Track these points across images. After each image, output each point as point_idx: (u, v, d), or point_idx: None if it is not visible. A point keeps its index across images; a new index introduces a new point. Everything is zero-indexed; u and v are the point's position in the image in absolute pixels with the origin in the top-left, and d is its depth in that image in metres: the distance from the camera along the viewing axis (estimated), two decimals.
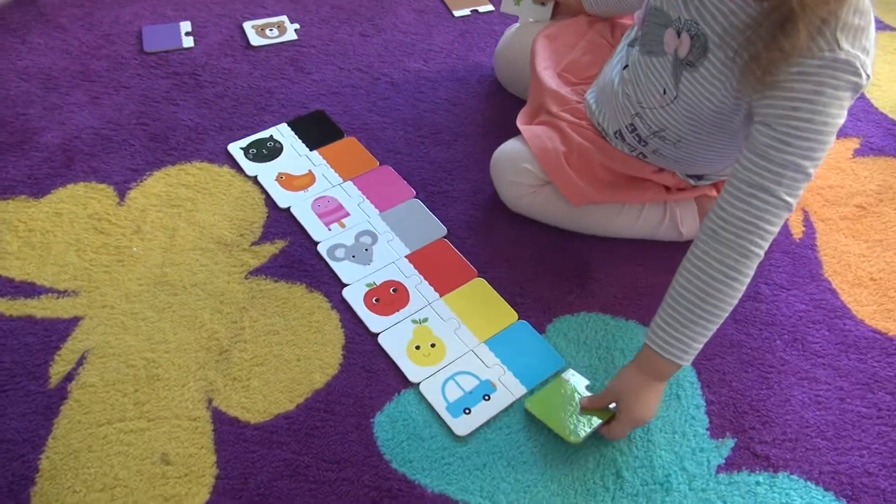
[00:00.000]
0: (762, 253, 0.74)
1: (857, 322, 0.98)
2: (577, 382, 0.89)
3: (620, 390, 0.82)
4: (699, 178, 1.01)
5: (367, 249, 1.01)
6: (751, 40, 0.72)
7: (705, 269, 0.75)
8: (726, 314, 0.76)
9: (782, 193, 0.71)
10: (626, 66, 0.94)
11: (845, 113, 0.71)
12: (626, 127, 0.95)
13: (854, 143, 1.22)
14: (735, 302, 0.76)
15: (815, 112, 0.69)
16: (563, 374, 0.90)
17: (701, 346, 0.78)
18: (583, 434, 0.83)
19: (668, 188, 1.01)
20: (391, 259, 1.01)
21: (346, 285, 0.98)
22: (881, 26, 1.45)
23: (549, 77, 1.07)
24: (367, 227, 1.04)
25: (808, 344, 0.95)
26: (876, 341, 0.96)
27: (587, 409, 0.85)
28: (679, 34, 0.81)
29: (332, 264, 1.00)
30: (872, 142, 1.22)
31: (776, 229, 0.74)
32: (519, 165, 1.02)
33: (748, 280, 0.75)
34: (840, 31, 0.68)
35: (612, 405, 0.84)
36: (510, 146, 1.05)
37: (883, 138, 1.22)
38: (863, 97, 1.29)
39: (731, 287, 0.75)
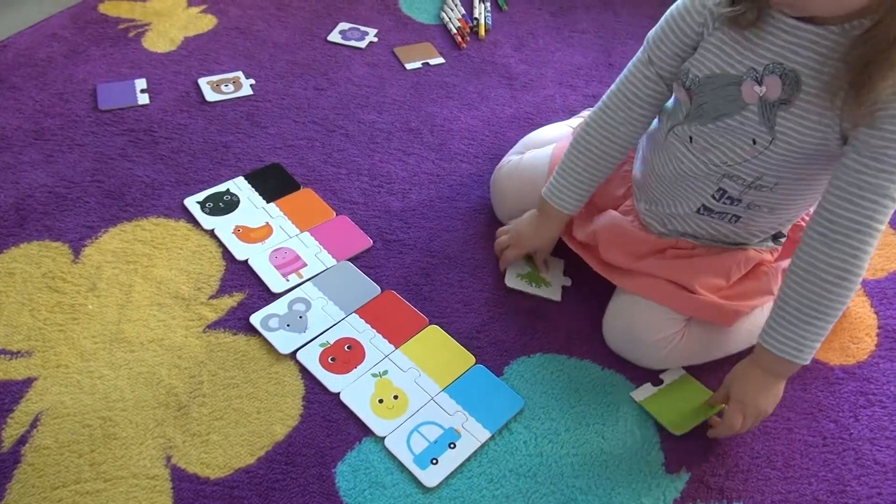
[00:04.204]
0: (872, 250, 0.77)
1: None
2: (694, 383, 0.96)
3: (743, 388, 0.86)
4: (777, 237, 0.99)
5: (301, 317, 1.01)
6: (840, 71, 0.74)
7: (817, 272, 0.78)
8: (841, 311, 0.80)
9: (893, 191, 0.74)
10: (691, 140, 0.90)
11: None
12: (714, 195, 0.91)
13: None
14: (849, 300, 0.79)
15: None
16: (683, 375, 0.96)
17: (818, 345, 0.81)
18: (686, 428, 0.90)
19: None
20: (327, 325, 1.00)
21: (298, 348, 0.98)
22: None
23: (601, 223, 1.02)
24: (300, 295, 1.03)
25: None
26: (819, 371, 1.00)
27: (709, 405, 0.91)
28: (761, 81, 0.80)
29: (267, 335, 0.98)
30: None
31: (884, 227, 0.77)
32: (653, 321, 0.95)
33: (861, 276, 0.78)
34: None
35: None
36: (623, 308, 0.98)
37: None
38: None
39: (845, 287, 0.78)
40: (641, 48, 0.91)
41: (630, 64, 0.93)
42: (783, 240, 1.00)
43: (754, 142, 0.84)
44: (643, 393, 0.95)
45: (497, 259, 1.10)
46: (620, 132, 0.95)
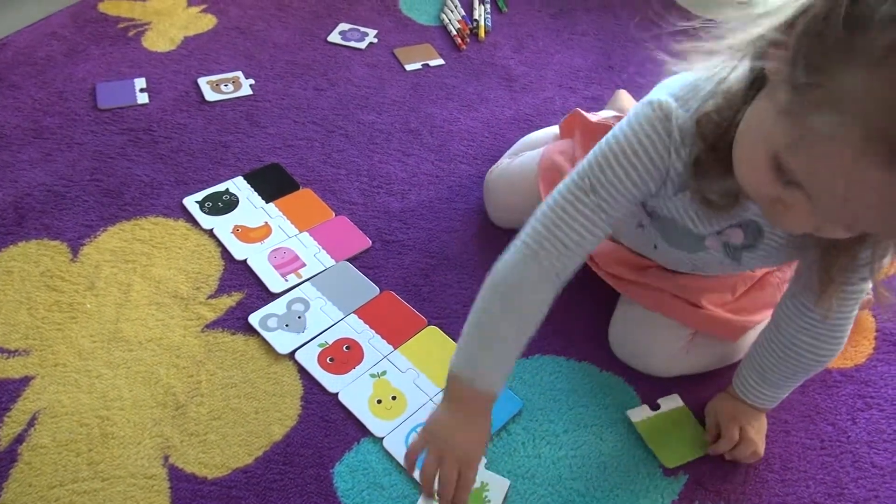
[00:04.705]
0: (850, 325, 0.80)
1: None
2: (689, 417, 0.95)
3: (731, 411, 0.89)
4: None
5: (299, 317, 1.01)
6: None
7: (795, 350, 0.82)
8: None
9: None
10: (656, 248, 0.87)
11: None
12: (689, 271, 0.92)
13: None
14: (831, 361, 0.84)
15: None
16: (680, 407, 0.95)
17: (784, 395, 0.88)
18: (678, 462, 0.89)
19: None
20: (326, 325, 1.00)
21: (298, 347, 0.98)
22: None
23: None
24: (299, 295, 1.03)
25: None
26: (816, 374, 1.00)
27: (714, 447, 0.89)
28: (722, 232, 0.78)
29: (265, 335, 0.98)
30: None
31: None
32: (660, 333, 0.95)
33: (842, 346, 0.81)
34: None
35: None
36: (630, 319, 0.97)
37: None
38: None
39: (825, 360, 0.82)
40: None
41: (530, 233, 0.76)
42: None
43: (721, 264, 0.84)
44: (639, 414, 0.93)
45: (495, 260, 1.10)
46: (558, 280, 0.76)
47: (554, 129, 1.22)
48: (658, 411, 0.94)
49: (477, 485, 0.85)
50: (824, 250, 0.71)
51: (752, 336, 0.96)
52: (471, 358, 0.76)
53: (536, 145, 1.17)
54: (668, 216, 0.80)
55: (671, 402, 0.95)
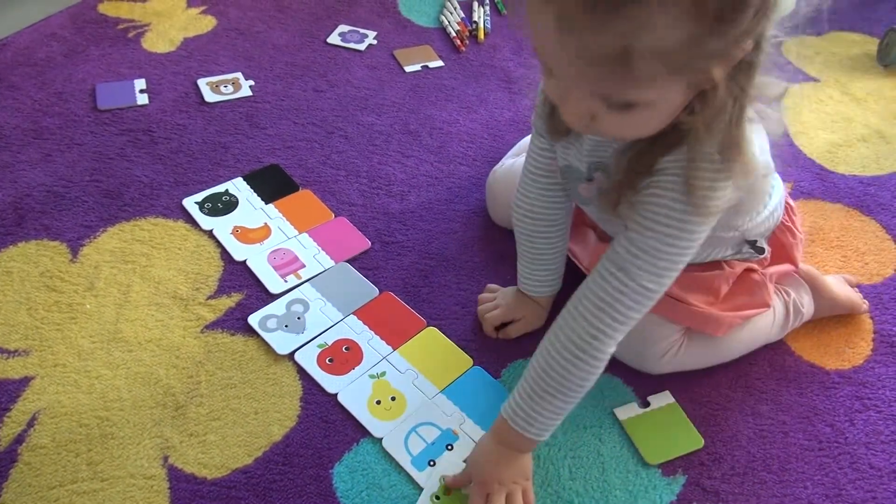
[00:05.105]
0: (614, 336, 0.74)
1: (795, 358, 1.03)
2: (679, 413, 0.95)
3: (481, 467, 0.82)
4: (755, 246, 0.95)
5: (299, 318, 1.01)
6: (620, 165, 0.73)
7: (556, 345, 0.75)
8: (577, 396, 0.76)
9: (643, 279, 0.72)
10: (590, 214, 0.93)
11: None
12: None
13: (787, 188, 1.29)
14: (586, 384, 0.76)
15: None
16: (671, 404, 0.95)
17: (553, 423, 0.78)
18: (661, 460, 0.89)
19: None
20: (325, 326, 1.00)
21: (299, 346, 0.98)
22: (805, 77, 1.55)
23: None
24: (298, 296, 1.03)
25: (750, 380, 0.99)
26: (814, 375, 1.01)
27: (451, 487, 0.84)
28: (591, 180, 0.80)
29: (265, 336, 0.98)
30: (803, 186, 1.29)
31: (633, 317, 0.74)
32: (653, 330, 0.93)
33: (602, 363, 0.75)
34: None
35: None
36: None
37: (811, 182, 1.30)
38: (792, 145, 1.37)
39: (580, 368, 0.74)
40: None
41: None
42: (766, 251, 0.97)
43: (610, 217, 0.80)
44: (627, 412, 0.94)
45: (495, 262, 1.10)
46: (538, 206, 0.92)
47: None
48: (647, 409, 0.95)
49: None
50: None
51: (745, 332, 0.97)
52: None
53: None
54: (565, 164, 0.83)
55: (661, 400, 0.96)
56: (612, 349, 0.76)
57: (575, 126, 0.69)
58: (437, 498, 0.85)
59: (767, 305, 0.95)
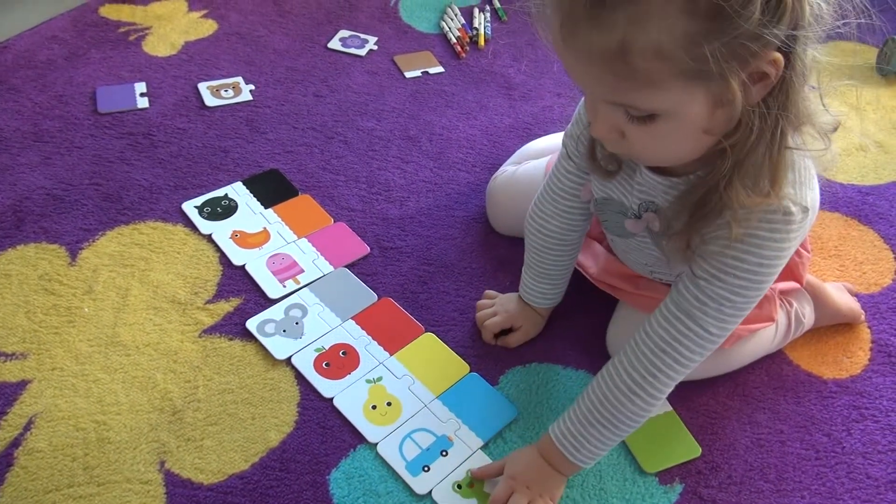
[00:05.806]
0: (674, 377, 0.75)
1: (793, 367, 1.03)
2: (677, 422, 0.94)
3: (516, 465, 0.83)
4: None
5: (297, 323, 1.01)
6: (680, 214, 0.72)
7: (616, 380, 0.77)
8: (630, 429, 0.78)
9: (707, 324, 0.72)
10: (613, 242, 0.92)
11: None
12: (653, 277, 0.93)
13: None
14: (639, 420, 0.77)
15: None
16: (668, 412, 0.95)
17: (601, 453, 0.80)
18: (658, 468, 0.89)
19: None
20: (323, 331, 1.00)
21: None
22: None
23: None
24: (297, 301, 1.03)
25: (748, 389, 0.99)
26: (812, 385, 1.01)
27: (477, 477, 0.86)
28: (640, 217, 0.79)
29: (263, 340, 0.98)
30: None
31: (694, 360, 0.75)
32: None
33: (658, 401, 0.77)
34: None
35: None
36: (628, 326, 0.95)
37: None
38: None
39: (635, 404, 0.76)
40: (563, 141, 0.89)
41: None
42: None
43: (653, 253, 0.84)
44: None
45: (494, 269, 1.10)
46: (553, 225, 0.92)
47: (556, 138, 1.22)
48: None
49: None
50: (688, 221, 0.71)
51: (751, 344, 0.97)
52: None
53: (538, 153, 1.18)
54: (604, 196, 0.83)
55: (659, 408, 0.95)
56: (669, 389, 0.77)
57: (605, 141, 0.69)
58: (459, 487, 0.85)
59: (773, 320, 0.95)
